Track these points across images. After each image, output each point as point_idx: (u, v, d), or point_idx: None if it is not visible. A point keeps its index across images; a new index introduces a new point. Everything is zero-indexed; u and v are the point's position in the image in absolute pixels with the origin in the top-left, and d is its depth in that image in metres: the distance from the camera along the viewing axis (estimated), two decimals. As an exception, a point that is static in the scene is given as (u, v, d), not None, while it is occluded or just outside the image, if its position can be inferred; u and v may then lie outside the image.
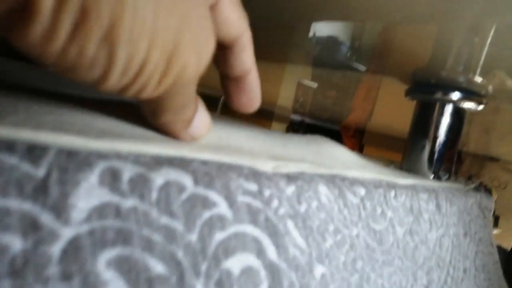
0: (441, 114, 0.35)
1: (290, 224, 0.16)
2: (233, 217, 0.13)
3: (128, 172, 0.11)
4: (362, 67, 0.48)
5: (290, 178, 0.16)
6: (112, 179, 0.11)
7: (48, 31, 0.09)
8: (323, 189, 0.18)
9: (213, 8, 0.15)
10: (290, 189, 0.16)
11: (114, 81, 0.11)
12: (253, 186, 0.14)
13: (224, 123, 0.22)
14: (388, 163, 0.41)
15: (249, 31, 0.17)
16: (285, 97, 0.88)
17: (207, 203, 0.13)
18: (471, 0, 0.22)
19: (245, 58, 0.17)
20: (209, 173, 0.13)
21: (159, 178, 0.12)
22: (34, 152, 0.09)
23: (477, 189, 0.37)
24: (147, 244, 0.11)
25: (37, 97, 0.16)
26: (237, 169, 0.14)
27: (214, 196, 0.13)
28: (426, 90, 0.35)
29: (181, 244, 0.12)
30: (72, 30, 0.10)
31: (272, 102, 0.87)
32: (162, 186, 0.12)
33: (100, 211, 0.10)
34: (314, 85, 0.87)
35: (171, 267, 0.11)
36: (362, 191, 0.20)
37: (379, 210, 0.21)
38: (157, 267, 0.11)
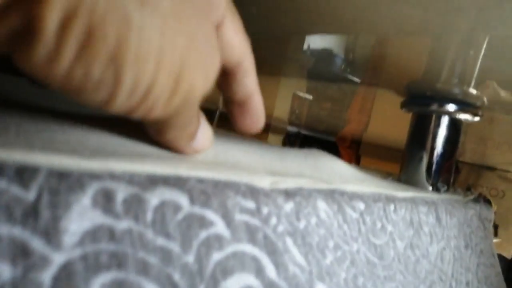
0: (437, 125, 0.35)
1: (289, 241, 0.15)
2: (230, 236, 0.13)
3: (122, 192, 0.11)
4: (356, 80, 0.49)
5: (288, 194, 0.16)
6: (105, 200, 0.10)
7: (52, 53, 0.09)
8: (322, 204, 0.17)
9: (216, 31, 0.15)
10: (289, 206, 0.16)
11: (120, 103, 0.11)
12: (250, 204, 0.14)
13: (220, 137, 0.22)
14: (386, 175, 0.41)
15: (251, 56, 0.17)
16: (281, 109, 0.89)
17: (203, 223, 0.12)
18: (463, 14, 0.22)
19: (248, 83, 0.17)
20: (206, 192, 0.13)
21: (154, 198, 0.11)
22: (23, 174, 0.09)
23: (476, 200, 0.37)
24: (143, 267, 0.10)
25: (31, 113, 0.15)
26: (234, 187, 0.14)
27: (211, 215, 0.13)
28: (422, 102, 0.35)
29: (177, 265, 0.11)
30: (77, 52, 0.09)
31: (268, 114, 0.87)
32: (158, 206, 0.11)
33: (93, 234, 0.10)
34: (309, 97, 0.87)
35: (167, 291, 0.11)
36: (361, 206, 0.20)
37: (379, 225, 0.21)
38: (153, 291, 0.10)
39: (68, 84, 0.10)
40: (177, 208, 0.12)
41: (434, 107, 0.34)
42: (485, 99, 0.34)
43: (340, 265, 0.17)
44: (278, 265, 0.14)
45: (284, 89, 0.85)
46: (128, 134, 0.16)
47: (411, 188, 0.32)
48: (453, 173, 0.38)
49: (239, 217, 0.14)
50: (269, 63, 0.51)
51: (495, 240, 0.43)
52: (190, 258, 0.12)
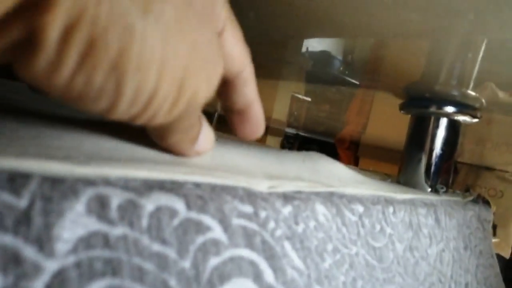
0: (436, 127, 0.35)
1: (287, 245, 0.15)
2: (228, 241, 0.13)
3: (117, 198, 0.11)
4: (355, 82, 0.48)
5: (287, 198, 0.16)
6: (100, 206, 0.10)
7: (54, 63, 0.09)
8: (320, 208, 0.17)
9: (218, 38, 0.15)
10: (287, 210, 0.16)
11: (122, 111, 0.11)
12: (248, 208, 0.14)
13: (218, 140, 0.22)
14: (385, 177, 0.41)
15: (251, 65, 0.17)
16: (279, 111, 0.89)
17: (200, 228, 0.12)
18: (461, 17, 0.22)
19: (248, 92, 0.17)
20: (202, 196, 0.13)
21: (149, 204, 0.11)
22: (15, 181, 0.09)
23: (475, 201, 0.37)
24: (138, 274, 0.10)
25: (28, 118, 0.15)
26: (232, 191, 0.14)
27: (207, 220, 0.12)
28: (421, 104, 0.35)
29: (173, 271, 0.11)
30: (79, 61, 0.09)
31: (266, 116, 0.87)
32: (153, 212, 0.11)
33: (87, 241, 0.09)
34: (308, 98, 0.88)
35: (163, 298, 0.10)
36: (360, 209, 0.20)
37: (378, 227, 0.21)
38: (148, 298, 0.10)
39: (69, 93, 0.10)
40: (173, 213, 0.12)
41: (433, 109, 0.34)
42: (483, 100, 0.34)
43: (339, 268, 0.17)
44: (276, 269, 0.14)
45: (282, 91, 0.85)
46: (125, 138, 0.16)
47: (410, 190, 0.32)
48: (452, 175, 0.38)
49: (237, 221, 0.13)
50: (267, 67, 0.51)
51: (493, 240, 0.43)
52: (186, 264, 0.11)
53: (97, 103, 0.10)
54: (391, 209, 0.22)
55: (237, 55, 0.16)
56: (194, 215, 0.12)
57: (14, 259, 0.08)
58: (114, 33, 0.09)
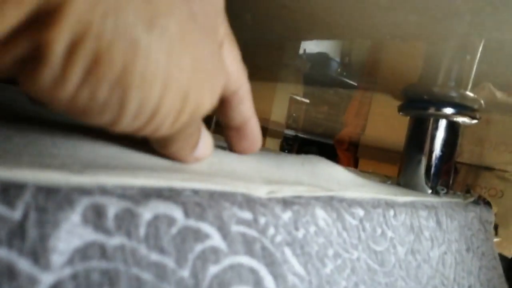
0: (435, 128, 0.35)
1: (287, 251, 0.15)
2: (227, 249, 0.13)
3: (113, 207, 0.10)
4: (353, 83, 0.48)
5: (286, 203, 0.16)
6: (96, 216, 0.10)
7: (58, 78, 0.09)
8: (320, 212, 0.17)
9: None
10: (287, 215, 0.15)
11: (126, 124, 0.11)
12: (247, 214, 0.14)
13: (216, 145, 0.22)
14: (385, 179, 0.40)
15: (247, 83, 0.17)
16: (278, 113, 0.89)
17: (199, 236, 0.12)
18: (458, 18, 0.22)
19: (244, 109, 0.17)
20: (201, 204, 0.13)
21: (147, 212, 0.11)
22: (9, 192, 0.09)
23: (476, 202, 0.37)
24: (136, 284, 0.10)
25: (24, 124, 0.15)
26: (230, 197, 0.14)
27: (206, 227, 0.12)
28: (419, 106, 0.35)
29: (172, 281, 0.11)
30: (84, 76, 0.09)
31: (265, 118, 0.87)
32: (151, 220, 0.11)
33: (83, 252, 0.09)
34: (306, 100, 0.88)
35: (161, 309, 0.10)
36: (360, 212, 0.19)
37: (379, 231, 0.20)
38: (147, 309, 0.10)
39: (73, 107, 0.10)
40: (171, 221, 0.11)
41: (432, 110, 0.34)
42: (482, 101, 0.34)
43: (341, 273, 0.17)
44: (277, 276, 0.14)
45: (281, 93, 0.85)
46: (123, 143, 0.16)
47: (411, 192, 0.32)
48: (452, 176, 0.38)
49: (236, 228, 0.13)
50: (265, 69, 0.51)
51: (495, 240, 0.43)
52: (185, 273, 0.11)
53: (101, 117, 0.10)
54: (392, 212, 0.22)
55: (234, 72, 0.16)
56: (192, 222, 0.12)
57: (9, 273, 0.08)
58: (119, 48, 0.09)
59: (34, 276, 0.08)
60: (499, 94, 0.39)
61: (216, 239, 0.12)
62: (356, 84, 0.48)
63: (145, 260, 0.10)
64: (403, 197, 0.25)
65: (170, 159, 0.16)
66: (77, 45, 0.09)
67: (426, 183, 0.36)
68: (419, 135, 0.36)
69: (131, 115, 0.11)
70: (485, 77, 0.31)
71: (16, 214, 0.09)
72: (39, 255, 0.08)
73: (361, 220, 0.19)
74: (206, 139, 0.16)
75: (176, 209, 0.12)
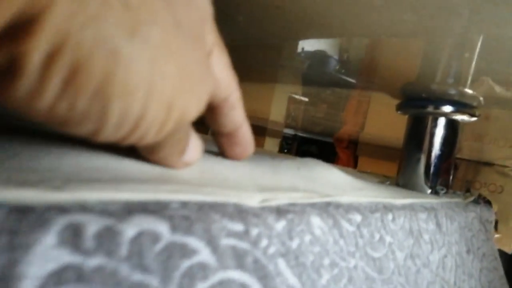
0: (434, 127, 0.34)
1: (281, 263, 0.14)
2: (217, 264, 0.12)
3: (93, 226, 0.10)
4: (352, 81, 0.48)
5: (280, 212, 0.15)
6: (73, 236, 0.09)
7: (35, 89, 0.09)
8: (316, 220, 0.17)
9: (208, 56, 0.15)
10: (280, 225, 0.15)
11: (109, 134, 0.11)
12: (238, 226, 0.13)
13: (210, 151, 0.21)
14: (384, 179, 0.40)
15: (238, 91, 0.17)
16: (277, 112, 0.88)
17: (186, 251, 0.11)
18: (456, 15, 0.21)
19: (235, 116, 0.17)
20: (189, 217, 0.12)
21: (130, 229, 0.10)
22: (-24, 216, 0.08)
23: (476, 201, 0.36)
24: (118, 306, 0.10)
25: (4, 136, 0.14)
26: (221, 208, 0.13)
27: (194, 242, 0.12)
28: (418, 104, 0.35)
29: (157, 301, 0.10)
30: (62, 87, 0.09)
31: (264, 118, 0.87)
32: (134, 238, 0.10)
33: (58, 277, 0.09)
34: (305, 99, 0.87)
35: (145, 333, 0.10)
36: (358, 218, 0.19)
37: (377, 236, 0.20)
38: (129, 334, 0.09)
39: (51, 118, 0.10)
40: (156, 238, 0.11)
41: (430, 109, 0.34)
42: (481, 99, 0.34)
43: (337, 283, 0.16)
44: (270, 289, 0.13)
45: (279, 92, 0.85)
46: (109, 152, 0.15)
47: (409, 193, 0.31)
48: (451, 175, 0.37)
49: (226, 241, 0.13)
50: (263, 70, 0.50)
51: (495, 236, 0.42)
52: (171, 291, 0.11)
53: (81, 127, 0.10)
54: (390, 216, 0.21)
55: (224, 80, 0.16)
56: (179, 238, 0.11)
57: (-25, 303, 0.08)
58: (98, 58, 0.09)
59: (4, 304, 0.08)
60: (498, 89, 0.38)
61: (204, 254, 0.12)
62: (354, 82, 0.47)
63: (126, 281, 0.10)
64: (402, 199, 0.24)
65: (158, 166, 0.15)
66: (55, 56, 0.09)
67: (426, 183, 0.36)
68: (417, 134, 0.36)
69: (113, 125, 0.10)
70: (484, 74, 0.31)
71: (-17, 240, 0.08)
72: (8, 283, 0.08)
73: (358, 226, 0.19)
74: (195, 142, 0.16)
75: (161, 224, 0.11)
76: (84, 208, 0.10)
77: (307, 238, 0.16)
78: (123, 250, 0.10)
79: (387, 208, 0.22)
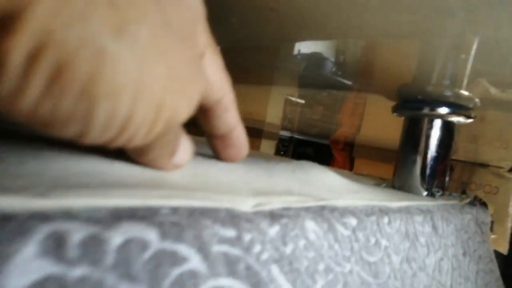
0: (430, 129, 0.34)
1: (274, 269, 0.14)
2: (208, 271, 0.12)
3: (78, 234, 0.09)
4: (348, 83, 0.48)
5: (274, 216, 0.15)
6: (57, 245, 0.09)
7: (18, 88, 0.09)
8: (310, 224, 0.16)
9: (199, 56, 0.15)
10: (274, 230, 0.15)
11: (96, 136, 0.10)
12: (230, 232, 0.13)
13: (203, 154, 0.21)
14: (380, 181, 0.40)
15: (231, 92, 0.17)
16: (273, 115, 0.88)
17: (176, 259, 0.11)
18: (452, 16, 0.21)
19: (229, 118, 0.17)
20: (179, 223, 0.12)
21: (117, 237, 0.10)
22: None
23: (472, 203, 0.36)
24: (103, 318, 0.09)
25: None
26: (212, 214, 0.13)
27: (184, 249, 0.11)
28: (414, 106, 0.34)
29: (146, 311, 0.10)
30: (46, 87, 0.09)
31: (260, 120, 0.86)
32: (121, 246, 0.10)
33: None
34: (301, 101, 0.87)
35: None
36: (353, 222, 0.19)
37: (372, 240, 0.20)
38: None
39: (35, 119, 0.09)
40: (144, 245, 0.11)
41: (426, 110, 0.34)
42: (477, 100, 0.34)
43: (332, 289, 0.16)
44: (263, 296, 0.13)
45: (276, 94, 0.85)
46: (98, 155, 0.15)
47: (405, 195, 0.31)
48: (447, 177, 0.37)
49: (217, 248, 0.12)
50: (259, 72, 0.50)
51: (491, 236, 0.42)
52: (160, 301, 0.10)
53: (67, 129, 0.10)
54: (386, 220, 0.21)
55: (217, 82, 0.16)
56: (168, 245, 0.11)
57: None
58: (83, 57, 0.09)
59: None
60: (493, 90, 0.38)
61: (195, 262, 0.12)
62: (350, 84, 0.47)
63: (113, 291, 0.09)
64: (398, 202, 0.24)
65: (149, 170, 0.15)
66: (38, 54, 0.08)
67: (422, 185, 0.35)
68: (413, 136, 0.36)
69: (100, 126, 0.10)
70: (479, 75, 0.31)
71: (-40, 251, 0.08)
72: (-14, 296, 0.08)
73: (353, 230, 0.18)
74: (185, 144, 0.16)
75: (150, 231, 0.11)
76: (68, 215, 0.10)
77: (301, 243, 0.15)
78: (110, 258, 0.10)
79: (383, 211, 0.21)
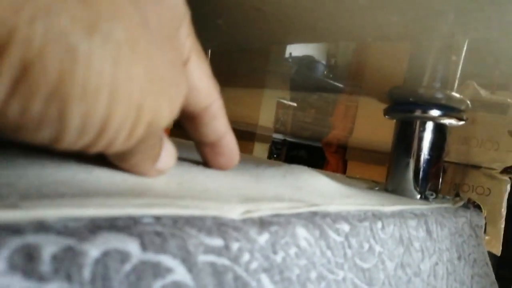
0: (422, 131, 0.34)
1: (264, 279, 0.13)
2: (193, 283, 0.11)
3: (50, 247, 0.09)
4: (339, 85, 0.48)
5: (263, 224, 0.14)
6: (26, 260, 0.08)
7: None
8: (301, 231, 0.16)
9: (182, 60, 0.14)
10: (263, 238, 0.14)
11: (71, 141, 0.10)
12: (217, 241, 0.12)
13: (191, 159, 0.20)
14: (373, 184, 0.39)
15: (219, 99, 0.16)
16: (266, 118, 0.88)
17: (159, 271, 0.11)
18: (441, 17, 0.21)
19: (218, 125, 0.17)
20: (162, 233, 0.11)
21: (94, 250, 0.09)
22: None
23: (466, 206, 0.36)
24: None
25: None
26: (198, 222, 0.12)
27: (168, 260, 0.11)
28: (405, 108, 0.34)
29: (126, 328, 0.09)
30: (12, 87, 0.08)
31: (253, 123, 0.86)
32: (98, 259, 0.09)
33: (6, 308, 0.08)
34: (293, 103, 0.87)
35: None
36: (346, 228, 0.18)
37: (366, 246, 0.19)
38: None
39: (3, 123, 0.09)
40: (124, 257, 0.10)
41: (418, 113, 0.33)
42: (468, 102, 0.33)
43: (325, 297, 0.16)
44: (253, 308, 0.12)
45: (268, 97, 0.85)
46: (78, 162, 0.14)
47: (399, 199, 0.31)
48: (441, 179, 0.37)
49: (203, 258, 0.12)
50: (251, 75, 0.50)
51: (485, 238, 0.42)
52: (142, 316, 0.10)
53: (39, 134, 0.09)
54: (379, 225, 0.21)
55: (204, 88, 0.15)
56: (151, 256, 0.11)
57: None
58: (52, 55, 0.08)
59: None
60: (483, 93, 0.38)
61: (179, 273, 0.11)
62: (342, 87, 0.47)
63: (89, 308, 0.09)
64: (391, 207, 0.24)
65: (132, 178, 0.14)
66: (1, 52, 0.08)
67: (415, 188, 0.35)
68: (406, 139, 0.36)
69: (76, 130, 0.10)
70: (470, 77, 0.31)
71: None
72: None
73: (346, 236, 0.18)
74: (168, 149, 0.15)
75: (130, 242, 0.10)
76: (41, 227, 0.09)
77: (292, 251, 0.15)
78: (86, 273, 0.09)
79: (376, 216, 0.21)
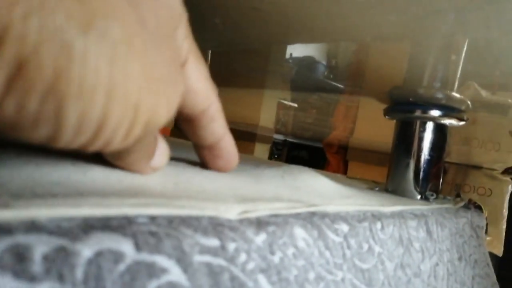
0: (422, 131, 0.34)
1: (261, 279, 0.13)
2: (188, 283, 0.11)
3: (42, 247, 0.09)
4: (340, 86, 0.47)
5: (260, 224, 0.14)
6: (17, 260, 0.08)
7: None
8: (299, 232, 0.16)
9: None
10: (260, 238, 0.14)
11: (68, 139, 0.10)
12: (213, 242, 0.12)
13: (188, 160, 0.20)
14: (373, 184, 0.39)
15: (217, 102, 0.16)
16: (266, 118, 0.88)
17: (154, 271, 0.10)
18: (441, 17, 0.21)
19: (216, 128, 0.17)
20: (156, 233, 0.11)
21: (86, 249, 0.09)
22: None
23: (467, 206, 0.36)
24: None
25: None
26: (194, 222, 0.12)
27: (163, 260, 0.11)
28: (405, 108, 0.34)
29: (120, 329, 0.09)
30: (7, 84, 0.08)
31: (253, 124, 0.86)
32: (91, 259, 0.09)
33: (-3, 308, 0.08)
34: (294, 104, 0.87)
35: None
36: (345, 228, 0.18)
37: (365, 247, 0.19)
38: None
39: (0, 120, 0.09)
40: (118, 257, 0.10)
41: (418, 113, 0.33)
42: (469, 102, 0.33)
43: (323, 298, 0.15)
44: (250, 309, 0.12)
45: (268, 98, 0.84)
46: (74, 161, 0.14)
47: (399, 199, 0.31)
48: (441, 179, 0.37)
49: (199, 258, 0.12)
50: (252, 76, 0.50)
51: (487, 238, 0.42)
52: (136, 317, 0.10)
53: (35, 132, 0.09)
54: (379, 225, 0.20)
55: (202, 90, 0.15)
56: (145, 256, 0.10)
57: None
58: (48, 52, 0.08)
59: None
60: (484, 93, 0.38)
61: (175, 273, 0.11)
62: (342, 87, 0.47)
63: (81, 309, 0.09)
64: (391, 207, 0.23)
65: (127, 177, 0.14)
66: None
67: (415, 188, 0.35)
68: (406, 139, 0.35)
69: (72, 129, 0.09)
70: (470, 77, 0.30)
71: None
72: None
73: (345, 237, 0.18)
74: (162, 147, 0.15)
75: (124, 242, 0.10)
76: (32, 227, 0.09)
77: (290, 251, 0.15)
78: (78, 273, 0.09)
79: (376, 217, 0.21)
